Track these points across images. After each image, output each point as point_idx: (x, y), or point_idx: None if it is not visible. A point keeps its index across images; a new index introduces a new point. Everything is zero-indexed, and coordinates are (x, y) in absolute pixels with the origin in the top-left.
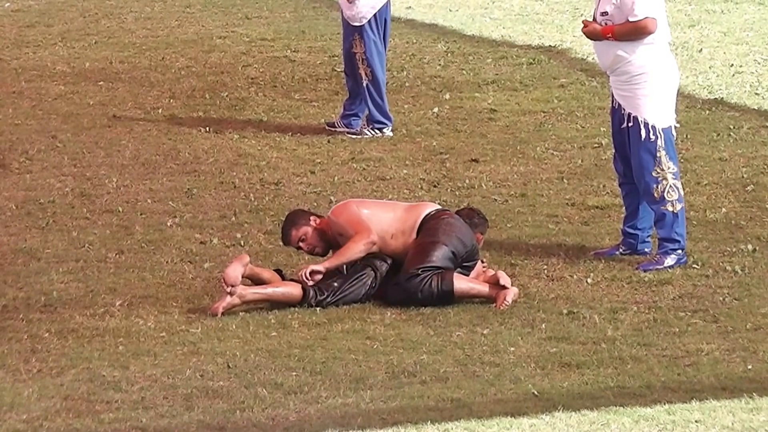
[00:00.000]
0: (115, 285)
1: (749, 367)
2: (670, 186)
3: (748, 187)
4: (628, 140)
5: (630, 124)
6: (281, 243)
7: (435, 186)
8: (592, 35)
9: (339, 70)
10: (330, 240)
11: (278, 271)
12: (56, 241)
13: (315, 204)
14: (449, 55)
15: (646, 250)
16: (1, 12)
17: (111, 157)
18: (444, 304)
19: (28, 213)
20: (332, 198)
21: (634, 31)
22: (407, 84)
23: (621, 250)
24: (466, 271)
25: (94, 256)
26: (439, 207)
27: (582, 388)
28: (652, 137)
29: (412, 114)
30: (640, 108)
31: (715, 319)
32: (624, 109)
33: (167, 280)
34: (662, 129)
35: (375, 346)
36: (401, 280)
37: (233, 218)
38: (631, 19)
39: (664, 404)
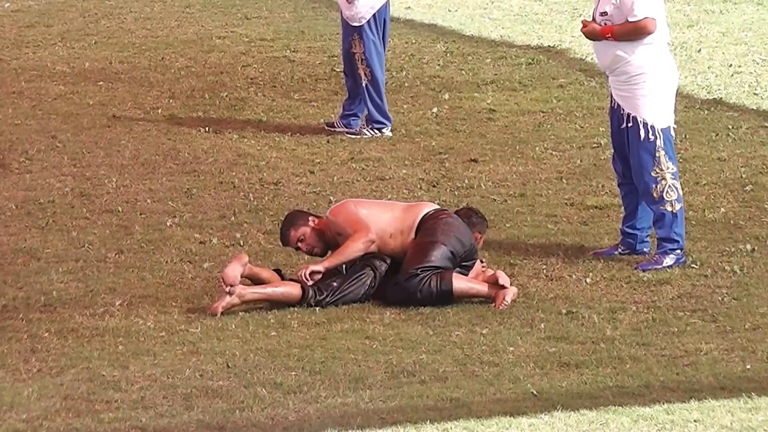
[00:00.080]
0: (114, 285)
1: (748, 366)
2: (669, 186)
3: (747, 187)
4: (627, 140)
5: (629, 125)
6: (280, 243)
7: (434, 186)
8: (591, 35)
9: (338, 70)
10: (329, 240)
11: (277, 271)
12: (56, 241)
13: (314, 204)
14: (448, 55)
15: (645, 250)
16: (1, 12)
17: (111, 157)
18: (443, 303)
19: (28, 213)
20: (331, 198)
21: (633, 32)
22: (406, 84)
23: (620, 250)
24: (465, 270)
25: (93, 256)
26: (438, 207)
27: (581, 387)
28: (651, 137)
29: (411, 114)
30: (640, 108)
31: (713, 318)
32: (623, 110)
33: (167, 279)
34: (661, 129)
35: (374, 346)
36: (400, 280)
37: (233, 218)
38: (630, 20)
39: (663, 404)
